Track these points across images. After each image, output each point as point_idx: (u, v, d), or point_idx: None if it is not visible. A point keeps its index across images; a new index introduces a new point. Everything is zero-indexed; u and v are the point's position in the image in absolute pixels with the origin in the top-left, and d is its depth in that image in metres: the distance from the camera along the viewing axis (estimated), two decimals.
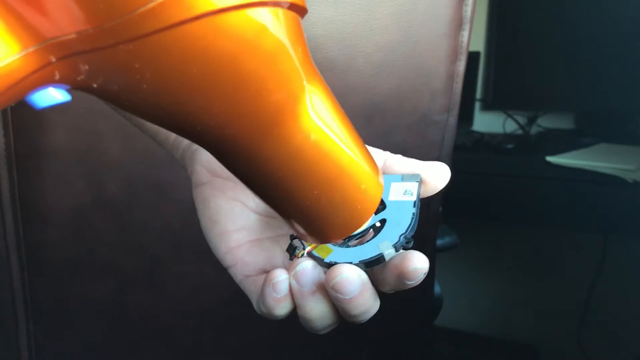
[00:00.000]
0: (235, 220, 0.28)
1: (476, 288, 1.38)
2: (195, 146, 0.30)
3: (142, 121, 0.34)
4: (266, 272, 0.28)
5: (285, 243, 0.29)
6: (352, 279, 0.22)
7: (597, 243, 1.18)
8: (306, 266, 0.24)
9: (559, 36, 1.12)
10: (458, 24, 0.52)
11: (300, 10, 0.19)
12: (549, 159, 0.89)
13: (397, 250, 0.24)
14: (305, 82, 0.20)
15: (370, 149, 0.28)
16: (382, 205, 0.26)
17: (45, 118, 0.42)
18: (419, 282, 0.23)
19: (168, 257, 0.49)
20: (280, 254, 0.28)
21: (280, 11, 0.18)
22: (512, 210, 0.92)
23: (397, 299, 0.62)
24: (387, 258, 0.23)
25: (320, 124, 0.21)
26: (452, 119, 0.56)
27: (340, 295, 0.22)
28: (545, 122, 1.23)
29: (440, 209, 0.68)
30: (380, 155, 0.28)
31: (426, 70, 0.51)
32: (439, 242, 0.79)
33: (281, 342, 0.56)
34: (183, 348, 0.53)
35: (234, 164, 0.22)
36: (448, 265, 1.33)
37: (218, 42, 0.16)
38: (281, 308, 0.24)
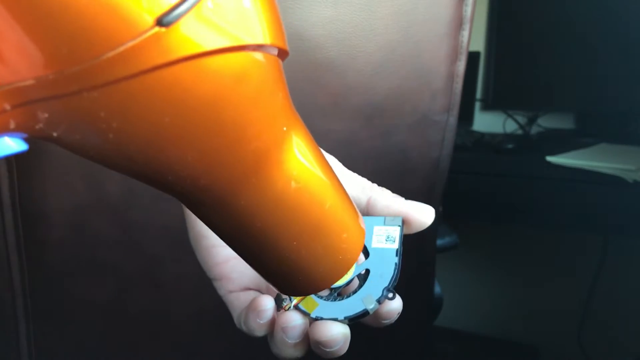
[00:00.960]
0: None
1: (476, 288, 1.38)
2: None
3: None
4: (249, 289, 0.29)
5: None
6: (337, 338, 0.24)
7: (597, 243, 1.18)
8: (296, 323, 0.24)
9: (559, 36, 1.12)
10: (458, 24, 0.52)
11: (283, 54, 0.18)
12: (549, 159, 0.89)
13: (380, 304, 0.24)
14: (286, 129, 0.19)
15: (357, 180, 0.28)
16: (366, 253, 0.26)
17: None
18: (393, 321, 0.25)
19: (168, 257, 0.49)
20: None
21: (261, 55, 0.17)
22: (512, 210, 0.92)
23: None
24: (371, 312, 0.24)
25: (301, 172, 0.20)
26: (452, 119, 0.56)
27: (323, 349, 0.24)
28: (545, 122, 1.23)
29: (441, 209, 0.68)
30: (366, 191, 0.28)
31: (426, 70, 0.51)
32: (439, 242, 0.79)
33: None
34: (183, 348, 0.53)
35: (208, 215, 0.20)
36: (448, 265, 1.32)
37: (195, 88, 0.15)
38: (262, 332, 0.25)
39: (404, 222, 0.26)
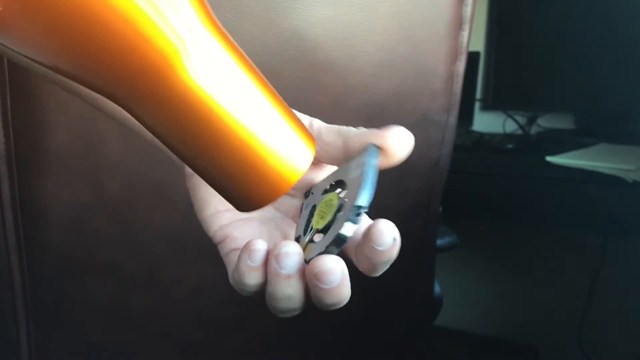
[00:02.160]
0: (226, 202, 0.29)
1: (476, 288, 1.38)
2: None
3: (133, 121, 0.34)
4: None
5: (273, 225, 0.30)
6: (335, 271, 0.22)
7: (597, 243, 1.18)
8: (292, 251, 0.23)
9: (559, 36, 1.12)
10: (458, 24, 0.52)
11: None
12: (549, 159, 0.89)
13: (355, 223, 0.23)
14: (182, 37, 0.20)
15: (334, 127, 0.28)
16: (343, 186, 0.26)
17: (46, 118, 0.42)
18: (391, 249, 0.23)
19: (168, 257, 0.49)
20: (266, 235, 0.29)
21: None
22: (512, 210, 0.92)
23: (397, 298, 0.62)
24: (347, 234, 0.23)
25: (203, 87, 0.21)
26: (452, 119, 0.56)
27: (320, 285, 0.22)
28: (545, 122, 1.23)
29: (440, 208, 0.68)
30: (342, 131, 0.28)
31: (426, 71, 0.51)
32: (439, 242, 0.79)
33: (281, 343, 0.56)
34: (183, 348, 0.53)
35: (140, 112, 0.22)
36: (448, 265, 1.33)
37: None
38: (252, 277, 0.24)
39: (381, 151, 0.26)
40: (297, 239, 0.27)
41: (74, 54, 0.19)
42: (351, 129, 0.28)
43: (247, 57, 0.23)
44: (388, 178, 0.53)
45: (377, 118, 0.51)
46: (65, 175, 0.44)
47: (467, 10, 0.52)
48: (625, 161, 0.84)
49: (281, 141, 0.23)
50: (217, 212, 0.29)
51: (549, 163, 0.89)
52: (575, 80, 1.11)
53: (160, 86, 0.20)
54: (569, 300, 1.24)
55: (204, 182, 0.29)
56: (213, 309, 0.52)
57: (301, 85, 0.46)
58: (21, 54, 0.20)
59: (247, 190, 0.24)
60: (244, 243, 0.27)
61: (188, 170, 0.31)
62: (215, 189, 0.25)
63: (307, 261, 0.24)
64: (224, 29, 0.22)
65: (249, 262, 0.24)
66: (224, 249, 0.29)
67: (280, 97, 0.24)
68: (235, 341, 0.54)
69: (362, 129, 0.27)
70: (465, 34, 0.53)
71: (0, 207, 0.44)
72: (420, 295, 0.66)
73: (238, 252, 0.28)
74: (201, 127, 0.21)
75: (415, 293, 0.65)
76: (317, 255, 0.23)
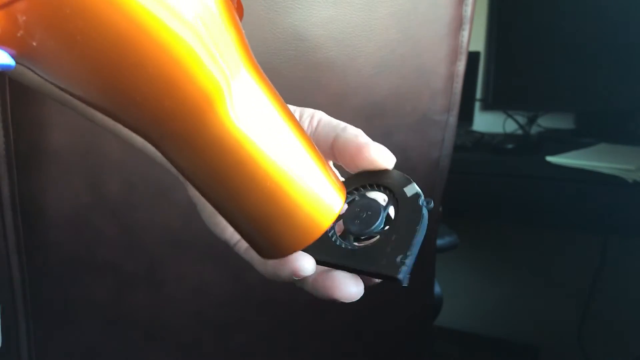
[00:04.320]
0: None
1: (476, 288, 1.38)
2: None
3: (129, 134, 0.34)
4: None
5: None
6: None
7: (597, 243, 1.18)
8: None
9: (559, 36, 1.12)
10: (458, 24, 0.52)
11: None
12: (549, 159, 0.89)
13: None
14: (227, 79, 0.19)
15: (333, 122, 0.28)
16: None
17: (46, 118, 0.42)
18: None
19: (168, 257, 0.49)
20: None
21: None
22: (512, 210, 0.92)
23: (397, 298, 0.62)
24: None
25: (243, 130, 0.20)
26: (452, 119, 0.56)
27: None
28: (545, 122, 1.23)
29: (440, 209, 0.68)
30: (337, 129, 0.28)
31: (426, 71, 0.51)
32: (439, 242, 0.79)
33: (281, 342, 0.56)
34: (183, 348, 0.53)
35: (169, 150, 0.21)
36: (448, 265, 1.33)
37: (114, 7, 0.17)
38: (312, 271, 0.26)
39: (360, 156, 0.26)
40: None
41: (112, 92, 0.18)
42: (347, 129, 0.28)
43: (283, 101, 0.22)
44: None
45: (377, 118, 0.51)
46: (65, 175, 0.44)
47: (467, 10, 0.52)
48: (625, 161, 0.84)
49: (314, 187, 0.23)
50: None
51: (549, 163, 0.89)
52: (575, 80, 1.11)
53: (197, 126, 0.20)
54: (569, 300, 1.24)
55: None
56: (213, 309, 0.52)
57: (301, 85, 0.46)
58: (53, 84, 0.19)
59: (274, 236, 0.23)
60: None
61: None
62: (239, 233, 0.24)
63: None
64: (262, 72, 0.22)
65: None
66: (244, 244, 0.29)
67: (312, 141, 0.24)
68: (235, 341, 0.54)
69: (352, 134, 0.27)
70: (465, 34, 0.53)
71: (0, 207, 0.44)
72: (420, 295, 0.66)
73: None
74: (235, 169, 0.21)
75: (415, 293, 0.65)
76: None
